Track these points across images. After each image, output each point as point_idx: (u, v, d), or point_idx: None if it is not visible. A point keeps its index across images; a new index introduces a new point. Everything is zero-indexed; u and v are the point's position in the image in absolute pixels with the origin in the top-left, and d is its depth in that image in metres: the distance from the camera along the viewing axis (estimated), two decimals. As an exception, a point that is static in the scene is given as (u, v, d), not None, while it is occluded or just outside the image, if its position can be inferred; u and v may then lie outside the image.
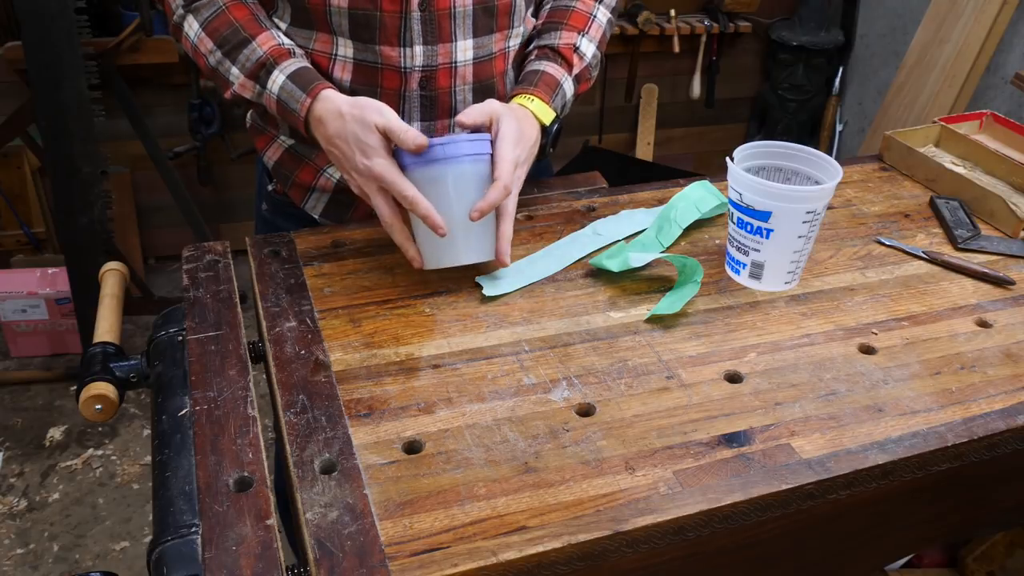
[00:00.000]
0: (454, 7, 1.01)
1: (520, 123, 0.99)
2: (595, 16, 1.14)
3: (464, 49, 1.05)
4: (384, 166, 0.92)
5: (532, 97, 1.05)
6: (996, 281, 1.03)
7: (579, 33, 1.12)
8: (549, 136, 1.06)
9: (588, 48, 1.13)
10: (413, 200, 0.91)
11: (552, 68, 1.09)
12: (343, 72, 1.04)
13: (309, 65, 1.01)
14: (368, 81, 1.04)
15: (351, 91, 1.04)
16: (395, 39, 1.01)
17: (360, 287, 0.97)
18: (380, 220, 0.95)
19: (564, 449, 0.76)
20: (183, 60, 2.51)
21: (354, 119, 0.93)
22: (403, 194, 0.91)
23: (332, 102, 0.96)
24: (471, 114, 0.96)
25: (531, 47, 1.14)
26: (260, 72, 1.00)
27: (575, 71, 1.12)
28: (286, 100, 0.99)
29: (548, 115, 1.05)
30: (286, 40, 1.02)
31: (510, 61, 1.12)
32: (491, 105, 0.98)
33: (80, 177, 2.13)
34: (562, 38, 1.11)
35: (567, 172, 1.54)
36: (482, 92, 1.09)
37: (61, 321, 2.46)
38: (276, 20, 1.06)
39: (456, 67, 1.05)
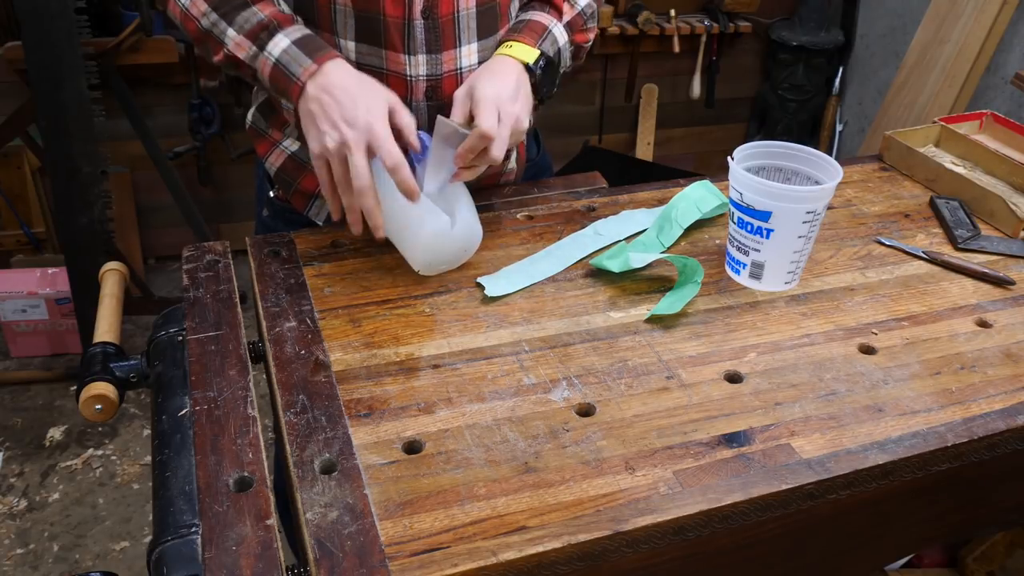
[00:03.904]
0: (457, 12, 1.00)
1: (488, 66, 0.99)
2: None
3: (468, 54, 1.04)
4: (385, 129, 0.90)
5: (511, 43, 1.03)
6: (996, 281, 1.03)
7: None
8: (535, 74, 1.02)
9: None
10: (401, 164, 0.89)
11: (540, 16, 1.08)
12: None
13: (314, 34, 0.98)
14: None
15: None
16: (400, 44, 1.00)
17: (360, 287, 0.97)
18: (353, 179, 0.90)
19: (564, 449, 0.76)
20: (183, 60, 2.51)
21: (370, 83, 0.93)
22: (391, 155, 0.89)
23: (344, 65, 0.94)
24: (459, 109, 0.96)
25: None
26: (261, 33, 0.96)
27: (565, 18, 1.09)
28: (287, 64, 0.94)
29: (530, 54, 1.02)
30: (286, 7, 1.00)
31: None
32: (461, 89, 0.98)
33: (80, 177, 2.12)
34: None
35: (567, 172, 1.53)
36: None
37: (61, 321, 2.46)
38: None
39: (461, 73, 1.05)
